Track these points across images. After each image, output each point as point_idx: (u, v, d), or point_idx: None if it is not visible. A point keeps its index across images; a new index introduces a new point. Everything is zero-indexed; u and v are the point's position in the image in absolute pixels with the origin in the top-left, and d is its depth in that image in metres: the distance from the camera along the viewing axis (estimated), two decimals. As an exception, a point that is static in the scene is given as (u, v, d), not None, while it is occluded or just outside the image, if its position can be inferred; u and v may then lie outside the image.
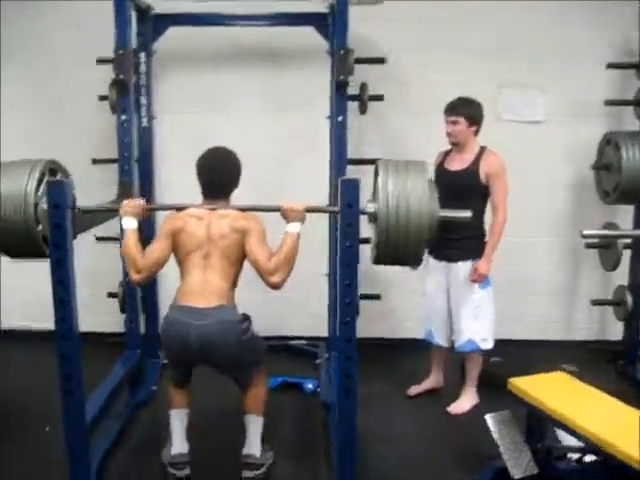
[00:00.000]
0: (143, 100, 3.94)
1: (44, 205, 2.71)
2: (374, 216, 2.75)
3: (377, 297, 4.17)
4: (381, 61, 3.97)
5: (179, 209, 2.99)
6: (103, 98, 3.78)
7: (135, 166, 3.84)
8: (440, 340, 3.83)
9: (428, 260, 3.74)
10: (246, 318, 2.97)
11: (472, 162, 3.59)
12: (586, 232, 3.57)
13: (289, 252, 2.82)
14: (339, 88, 3.55)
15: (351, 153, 3.99)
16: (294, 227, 2.84)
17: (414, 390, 3.95)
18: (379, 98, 3.96)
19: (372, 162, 2.92)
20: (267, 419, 3.15)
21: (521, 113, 4.44)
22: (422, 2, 4.29)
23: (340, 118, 3.59)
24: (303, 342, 4.60)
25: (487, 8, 4.31)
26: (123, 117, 3.56)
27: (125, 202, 2.92)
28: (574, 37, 4.36)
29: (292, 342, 4.60)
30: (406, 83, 4.38)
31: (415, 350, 4.14)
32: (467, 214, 2.96)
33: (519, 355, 4.26)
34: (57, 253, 2.68)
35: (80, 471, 2.82)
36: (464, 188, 3.56)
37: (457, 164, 3.65)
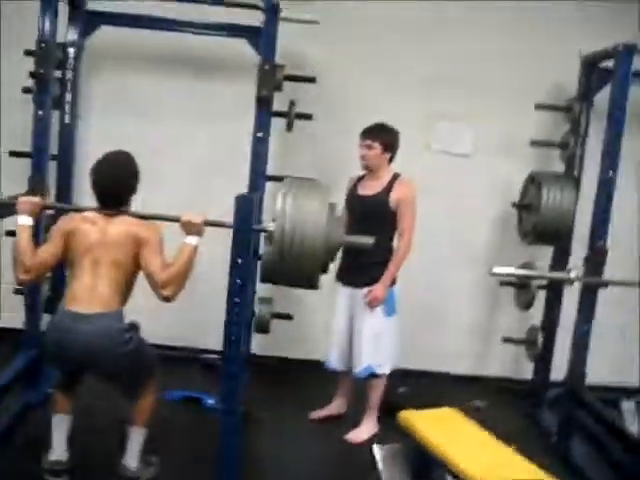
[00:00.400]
0: (67, 97, 3.85)
1: None
2: (270, 235, 2.73)
3: (289, 317, 4.13)
4: (311, 80, 3.94)
5: (76, 210, 2.93)
6: (27, 91, 3.70)
7: (52, 163, 3.77)
8: (337, 364, 3.80)
9: (337, 284, 3.75)
10: (132, 328, 2.89)
11: (384, 188, 3.61)
12: (495, 270, 3.59)
13: (183, 266, 2.77)
14: (260, 103, 3.51)
15: (276, 170, 3.99)
16: (191, 240, 2.79)
17: (316, 414, 3.90)
18: (307, 117, 3.93)
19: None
20: (161, 432, 3.08)
21: (450, 145, 4.47)
22: (364, 26, 4.34)
23: (260, 134, 3.54)
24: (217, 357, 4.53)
25: (427, 38, 4.36)
26: (40, 112, 3.47)
27: (21, 199, 2.85)
28: (511, 74, 4.41)
29: (204, 356, 4.53)
30: (341, 104, 4.38)
31: (324, 373, 4.10)
32: (369, 240, 2.95)
33: (429, 387, 4.28)
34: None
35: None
36: (374, 214, 3.60)
37: (369, 189, 3.66)
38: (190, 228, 2.79)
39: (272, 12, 3.46)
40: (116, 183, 2.89)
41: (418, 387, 4.21)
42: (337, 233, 2.83)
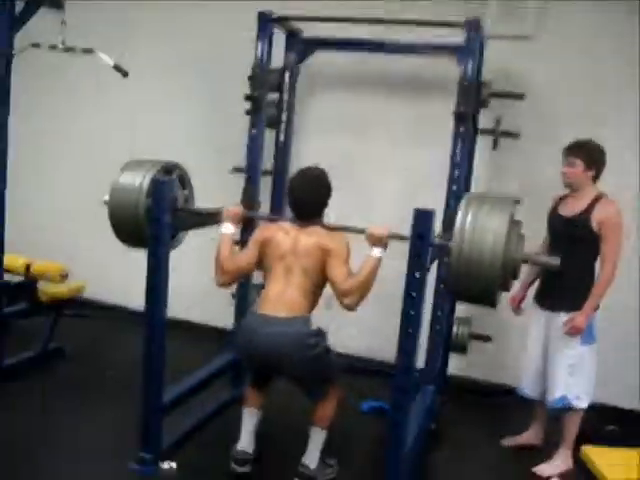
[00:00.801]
0: (283, 117, 4.17)
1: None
2: (448, 250, 2.71)
3: (487, 339, 4.03)
4: (520, 97, 3.86)
5: (272, 220, 3.16)
6: (248, 113, 4.07)
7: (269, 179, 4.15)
8: (529, 392, 3.61)
9: (534, 307, 3.59)
10: (318, 334, 3.03)
11: (585, 209, 3.37)
12: None
13: (365, 277, 2.88)
14: (458, 120, 3.50)
15: (480, 188, 3.95)
16: (376, 252, 2.89)
17: (509, 441, 3.75)
18: (514, 135, 3.85)
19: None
20: (344, 438, 3.25)
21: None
22: (574, 39, 4.13)
23: (458, 151, 3.53)
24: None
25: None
26: (254, 131, 3.81)
27: (225, 208, 3.15)
28: None
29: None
30: (551, 120, 4.19)
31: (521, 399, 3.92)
32: (554, 261, 2.80)
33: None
34: (153, 245, 2.99)
35: (149, 447, 3.12)
36: (574, 235, 3.39)
37: (570, 209, 3.44)
38: (375, 240, 2.89)
39: (472, 28, 3.43)
40: (310, 197, 3.07)
41: (630, 427, 3.87)
42: (518, 250, 2.73)
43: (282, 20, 3.83)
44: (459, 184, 3.55)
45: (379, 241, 2.88)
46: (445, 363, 4.06)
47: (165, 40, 4.99)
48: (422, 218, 2.67)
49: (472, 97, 3.45)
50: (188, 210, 3.19)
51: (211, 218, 3.22)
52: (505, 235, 2.61)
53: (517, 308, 3.74)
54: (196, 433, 3.50)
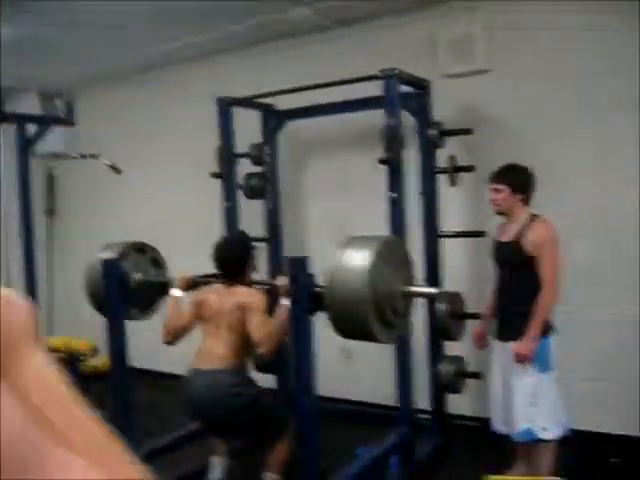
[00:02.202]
0: (269, 187, 4.54)
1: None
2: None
3: (476, 376, 3.95)
4: (468, 132, 3.90)
5: (206, 283, 3.50)
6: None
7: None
8: (500, 427, 3.48)
9: (493, 339, 3.52)
10: (244, 383, 3.28)
11: (518, 232, 3.31)
12: None
13: (276, 326, 3.14)
14: (387, 165, 3.61)
15: (455, 224, 4.03)
16: (285, 301, 3.13)
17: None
18: (468, 169, 3.87)
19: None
20: None
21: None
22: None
23: (394, 194, 3.63)
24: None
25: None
26: (226, 204, 4.24)
27: (177, 276, 3.56)
28: None
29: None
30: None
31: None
32: (432, 291, 2.84)
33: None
34: (110, 314, 3.47)
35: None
36: (510, 261, 3.37)
37: (505, 235, 3.41)
38: (284, 291, 3.12)
39: (387, 78, 3.57)
40: (228, 257, 3.39)
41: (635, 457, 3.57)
42: (395, 285, 2.81)
43: (238, 102, 4.24)
44: (396, 226, 3.63)
45: (285, 292, 3.11)
46: (438, 403, 4.04)
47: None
48: (296, 265, 2.86)
49: (396, 143, 3.56)
50: (139, 281, 3.64)
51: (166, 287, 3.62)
52: (367, 271, 2.72)
53: (478, 342, 3.67)
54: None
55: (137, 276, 3.70)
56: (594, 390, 3.97)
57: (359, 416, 4.55)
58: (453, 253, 4.16)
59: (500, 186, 3.35)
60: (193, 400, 3.29)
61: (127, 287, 3.57)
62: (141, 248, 3.82)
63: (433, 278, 4.03)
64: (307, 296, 2.85)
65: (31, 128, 4.32)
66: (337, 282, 2.76)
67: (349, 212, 4.66)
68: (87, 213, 6.22)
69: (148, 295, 3.74)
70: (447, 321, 3.92)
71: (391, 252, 2.88)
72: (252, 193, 4.52)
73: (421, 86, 3.95)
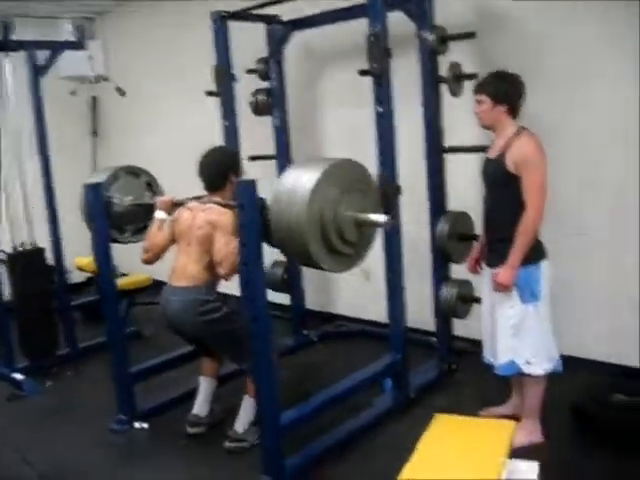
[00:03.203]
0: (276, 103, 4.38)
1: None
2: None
3: (477, 300, 3.72)
4: (471, 35, 3.54)
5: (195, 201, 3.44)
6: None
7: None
8: (488, 357, 3.27)
9: (483, 265, 3.29)
10: (214, 301, 3.28)
11: (502, 148, 3.01)
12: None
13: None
14: (373, 78, 3.35)
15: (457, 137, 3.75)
16: None
17: (487, 412, 3.42)
18: (471, 77, 3.52)
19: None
20: None
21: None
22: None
23: (380, 108, 3.37)
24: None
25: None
26: (226, 123, 4.15)
27: (157, 198, 3.57)
28: None
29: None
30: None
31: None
32: (379, 218, 2.67)
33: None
34: (94, 236, 3.53)
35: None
36: (494, 180, 3.10)
37: (492, 151, 3.10)
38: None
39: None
40: (209, 168, 3.35)
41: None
42: (343, 209, 2.65)
43: (236, 15, 4.04)
44: (384, 142, 3.40)
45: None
46: (442, 327, 3.89)
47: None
48: (244, 189, 2.75)
49: (379, 51, 3.27)
50: (126, 205, 3.69)
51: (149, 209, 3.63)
52: (309, 192, 2.58)
53: (472, 268, 3.43)
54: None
55: (126, 199, 3.74)
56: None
57: (374, 336, 4.45)
58: (459, 170, 3.86)
59: (481, 97, 3.03)
60: (167, 316, 3.38)
61: (109, 211, 3.61)
62: (134, 172, 3.84)
63: (437, 197, 3.80)
64: (255, 221, 2.76)
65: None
66: (280, 205, 2.66)
67: (364, 125, 4.42)
68: (126, 133, 6.33)
69: (138, 218, 3.77)
70: (446, 242, 3.73)
71: (346, 177, 2.72)
72: (259, 109, 4.38)
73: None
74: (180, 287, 3.32)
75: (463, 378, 3.88)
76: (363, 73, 3.35)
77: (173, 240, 3.45)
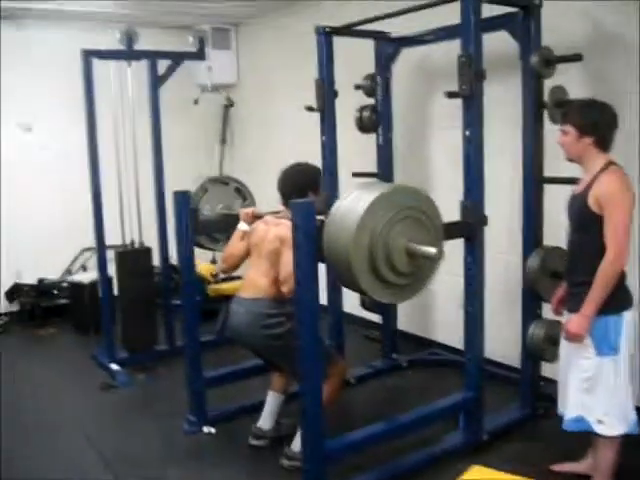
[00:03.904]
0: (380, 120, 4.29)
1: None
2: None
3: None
4: (577, 58, 3.27)
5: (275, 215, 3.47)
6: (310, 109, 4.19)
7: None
8: (561, 407, 2.97)
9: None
10: (281, 315, 3.25)
11: (587, 184, 2.75)
12: None
13: None
14: (462, 100, 3.18)
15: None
16: None
17: (560, 467, 3.14)
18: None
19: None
20: None
21: None
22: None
23: (467, 132, 3.19)
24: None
25: None
26: (324, 138, 4.09)
27: (240, 210, 3.66)
28: None
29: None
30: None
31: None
32: (431, 251, 2.52)
33: None
34: (178, 241, 3.66)
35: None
36: (577, 217, 2.85)
37: (579, 187, 2.85)
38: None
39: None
40: (287, 183, 3.36)
41: None
42: (395, 237, 2.55)
43: (340, 30, 4.00)
44: (471, 168, 3.21)
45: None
46: (526, 369, 3.63)
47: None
48: (299, 210, 2.71)
49: (469, 74, 3.10)
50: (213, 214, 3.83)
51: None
52: (360, 217, 2.50)
53: (555, 309, 3.15)
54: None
55: (217, 208, 3.88)
56: None
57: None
58: (558, 202, 3.57)
59: (566, 127, 2.78)
60: (231, 326, 3.43)
61: (197, 219, 3.74)
62: (224, 181, 4.01)
63: (531, 229, 3.55)
64: (310, 242, 2.71)
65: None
66: (332, 227, 2.61)
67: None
68: (253, 141, 6.47)
69: (230, 226, 3.85)
70: (537, 278, 3.48)
71: (402, 204, 2.61)
72: (364, 126, 4.32)
73: (525, 5, 3.37)
74: (247, 299, 3.36)
75: (544, 425, 3.58)
76: (451, 95, 3.21)
77: (249, 252, 3.50)
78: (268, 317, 3.27)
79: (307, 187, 3.33)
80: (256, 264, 3.40)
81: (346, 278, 2.64)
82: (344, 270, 2.59)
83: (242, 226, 3.54)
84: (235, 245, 3.52)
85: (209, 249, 3.98)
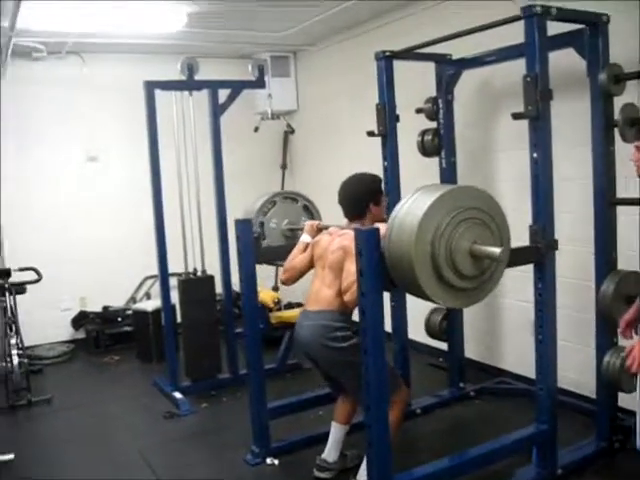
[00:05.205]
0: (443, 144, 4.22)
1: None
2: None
3: None
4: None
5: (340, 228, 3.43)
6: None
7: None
8: (638, 441, 2.80)
9: None
10: (346, 329, 3.20)
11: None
12: None
13: None
14: (530, 121, 3.08)
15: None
16: None
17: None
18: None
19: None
20: None
21: None
22: None
23: (535, 154, 3.09)
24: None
25: None
26: (385, 163, 4.03)
27: (306, 222, 3.68)
28: None
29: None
30: None
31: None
32: (495, 251, 2.43)
33: None
34: (240, 260, 3.63)
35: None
36: None
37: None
38: None
39: (527, 16, 3.02)
40: (347, 194, 3.35)
41: None
42: (458, 240, 2.50)
43: (399, 54, 3.94)
44: (539, 190, 3.11)
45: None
46: (603, 399, 3.45)
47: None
48: (363, 236, 2.65)
49: (534, 94, 3.00)
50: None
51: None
52: (420, 218, 2.45)
53: (623, 331, 2.97)
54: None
55: (284, 222, 4.11)
56: None
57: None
58: (635, 225, 3.41)
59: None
60: (298, 339, 3.39)
61: (258, 247, 3.73)
62: (293, 197, 4.17)
63: (604, 253, 3.40)
64: (374, 270, 2.65)
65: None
66: (392, 231, 2.56)
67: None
68: (313, 167, 6.48)
69: (284, 254, 3.82)
70: (610, 304, 3.31)
71: (465, 205, 2.53)
72: (426, 150, 4.26)
73: (592, 22, 3.26)
74: (313, 311, 3.31)
75: (623, 460, 3.39)
76: (517, 117, 3.10)
77: (312, 264, 3.46)
78: (333, 330, 3.21)
79: (368, 198, 3.30)
80: (320, 276, 3.35)
81: (408, 282, 2.56)
82: (405, 273, 2.52)
83: (305, 238, 3.55)
84: (297, 257, 3.50)
85: (272, 264, 4.02)
